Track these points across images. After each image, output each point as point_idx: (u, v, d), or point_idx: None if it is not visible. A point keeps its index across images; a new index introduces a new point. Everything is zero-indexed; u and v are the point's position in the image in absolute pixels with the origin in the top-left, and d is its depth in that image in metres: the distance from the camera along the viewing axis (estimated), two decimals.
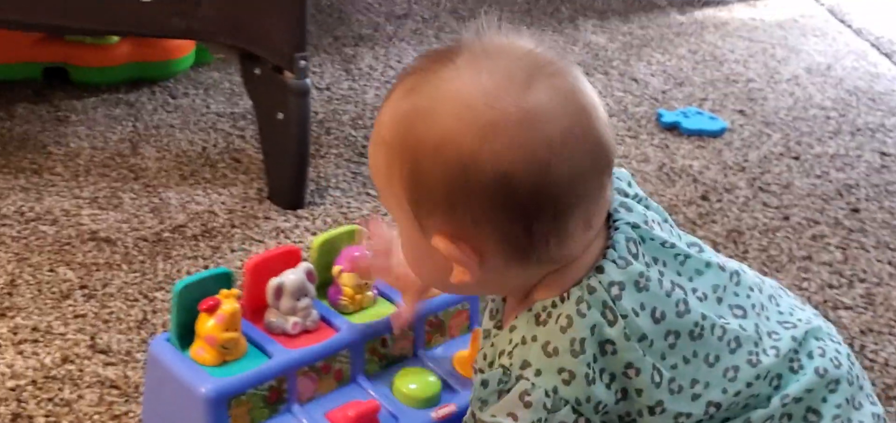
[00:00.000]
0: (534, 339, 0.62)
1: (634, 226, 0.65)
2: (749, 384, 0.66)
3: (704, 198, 1.29)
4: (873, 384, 0.94)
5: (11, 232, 1.12)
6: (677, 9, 1.99)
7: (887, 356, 0.99)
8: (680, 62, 1.73)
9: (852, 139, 1.47)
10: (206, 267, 1.07)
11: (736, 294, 0.68)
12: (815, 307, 1.05)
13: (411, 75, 0.62)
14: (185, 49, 1.49)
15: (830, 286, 1.10)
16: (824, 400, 0.67)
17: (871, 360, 0.98)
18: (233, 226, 1.16)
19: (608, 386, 0.62)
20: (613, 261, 0.63)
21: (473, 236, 0.60)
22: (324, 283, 0.86)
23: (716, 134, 1.46)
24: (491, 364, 0.65)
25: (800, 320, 0.70)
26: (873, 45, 1.87)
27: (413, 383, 0.83)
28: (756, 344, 0.66)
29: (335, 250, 0.86)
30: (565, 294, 0.62)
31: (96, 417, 0.86)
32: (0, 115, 1.38)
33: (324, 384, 0.83)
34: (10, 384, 0.89)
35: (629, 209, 0.66)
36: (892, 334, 1.02)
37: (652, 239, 0.65)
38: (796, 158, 1.40)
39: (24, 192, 1.20)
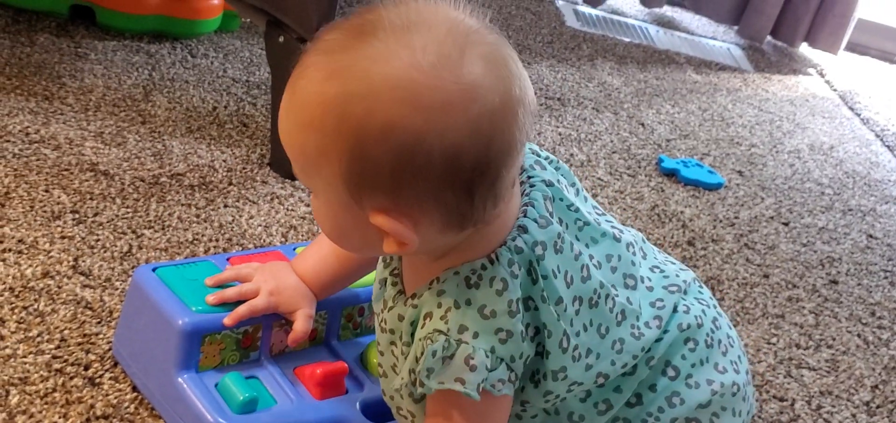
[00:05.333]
0: (468, 303, 0.63)
1: (548, 183, 0.66)
2: (635, 357, 0.68)
3: (690, 243, 1.31)
4: None
5: (13, 149, 1.14)
6: (694, 68, 2.03)
7: (841, 419, 1.00)
8: (688, 117, 1.76)
9: (842, 217, 1.49)
10: (197, 217, 1.10)
11: (632, 264, 0.70)
12: (780, 363, 1.08)
13: (329, 54, 0.59)
14: (212, 12, 1.52)
15: (798, 346, 1.12)
16: (683, 357, 0.69)
17: (826, 421, 1.00)
18: (230, 183, 1.18)
19: (532, 339, 0.64)
20: (534, 220, 0.64)
21: (415, 210, 0.60)
22: None
23: (712, 187, 1.48)
24: (412, 323, 0.66)
25: (685, 281, 0.72)
26: (878, 135, 1.90)
27: None
28: (638, 317, 0.68)
29: None
30: (493, 256, 0.63)
31: (66, 332, 0.87)
32: (21, 40, 1.40)
33: None
34: None
35: (543, 167, 0.68)
36: (850, 401, 1.04)
37: (561, 199, 0.67)
38: (785, 224, 1.43)
39: (32, 114, 1.22)
